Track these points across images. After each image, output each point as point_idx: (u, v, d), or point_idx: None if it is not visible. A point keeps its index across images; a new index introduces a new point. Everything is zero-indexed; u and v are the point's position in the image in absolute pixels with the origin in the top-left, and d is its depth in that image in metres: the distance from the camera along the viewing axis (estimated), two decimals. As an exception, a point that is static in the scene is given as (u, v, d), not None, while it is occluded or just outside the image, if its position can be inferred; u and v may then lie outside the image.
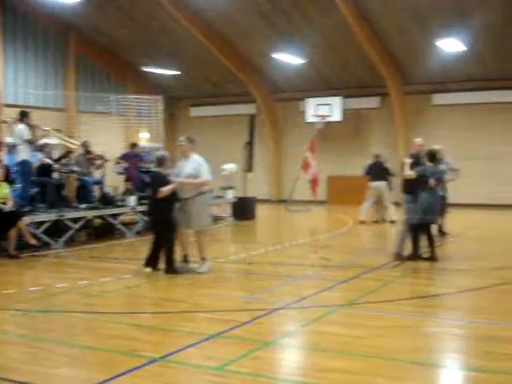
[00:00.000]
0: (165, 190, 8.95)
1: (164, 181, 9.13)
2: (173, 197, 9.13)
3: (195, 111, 29.61)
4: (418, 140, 11.54)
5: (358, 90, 26.12)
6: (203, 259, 9.33)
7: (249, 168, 19.91)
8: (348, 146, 22.49)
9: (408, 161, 10.38)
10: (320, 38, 23.65)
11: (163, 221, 9.17)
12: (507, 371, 4.89)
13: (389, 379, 4.73)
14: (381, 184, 16.40)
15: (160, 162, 9.42)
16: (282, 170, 28.35)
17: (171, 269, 9.07)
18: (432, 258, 10.11)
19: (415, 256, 10.08)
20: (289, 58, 23.99)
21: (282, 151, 28.59)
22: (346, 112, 25.63)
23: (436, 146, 11.42)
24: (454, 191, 24.79)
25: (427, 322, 6.54)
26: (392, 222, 16.16)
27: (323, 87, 26.58)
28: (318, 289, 8.11)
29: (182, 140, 9.48)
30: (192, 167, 9.17)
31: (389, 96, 25.46)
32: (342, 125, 25.70)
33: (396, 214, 15.95)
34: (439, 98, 25.72)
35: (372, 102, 26.44)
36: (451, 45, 21.44)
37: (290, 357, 5.53)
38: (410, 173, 10.18)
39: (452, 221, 17.86)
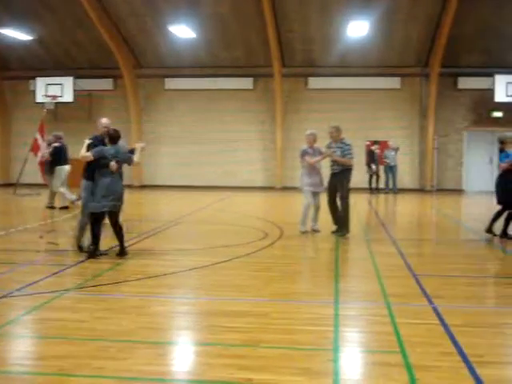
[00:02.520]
0: None
1: None
2: None
3: None
4: (104, 120, 9.79)
5: (90, 71, 25.69)
6: None
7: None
8: (80, 128, 21.95)
9: (87, 141, 9.28)
10: (50, 15, 22.79)
11: None
12: (227, 343, 5.15)
13: (110, 360, 4.70)
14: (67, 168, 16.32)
15: None
16: (10, 152, 26.88)
17: None
18: (122, 254, 9.15)
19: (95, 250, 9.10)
20: (17, 34, 22.71)
21: (10, 132, 27.10)
22: (77, 93, 25.01)
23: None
24: (172, 174, 25.84)
25: (154, 301, 6.61)
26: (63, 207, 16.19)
27: (54, 67, 25.68)
28: (44, 275, 7.80)
29: None
30: None
31: (122, 78, 25.40)
32: (73, 106, 25.07)
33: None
34: (172, 83, 26.27)
35: (105, 84, 26.20)
36: (182, 31, 22.00)
37: (9, 347, 5.22)
38: (86, 154, 9.10)
39: (179, 203, 18.40)
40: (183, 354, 5.14)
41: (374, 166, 23.96)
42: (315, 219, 11.94)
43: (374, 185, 24.17)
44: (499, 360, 4.83)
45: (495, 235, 11.43)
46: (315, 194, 11.72)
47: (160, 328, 5.67)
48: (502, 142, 11.44)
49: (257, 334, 5.38)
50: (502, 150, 11.49)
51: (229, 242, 10.86)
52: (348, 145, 11.29)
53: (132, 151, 9.70)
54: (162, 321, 5.93)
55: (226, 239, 11.25)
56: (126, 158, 9.43)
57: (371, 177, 24.22)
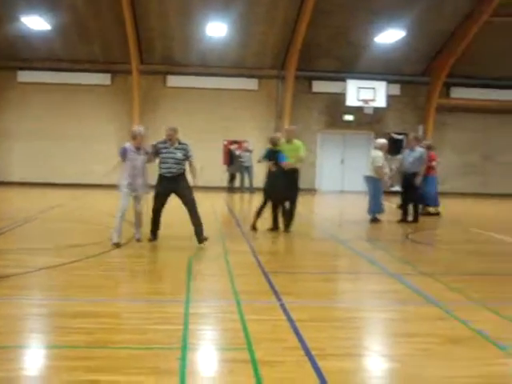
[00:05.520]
0: None
1: None
2: None
3: None
4: None
5: None
6: None
7: None
8: None
9: None
10: None
11: None
12: (75, 345, 5.08)
13: None
14: None
15: None
16: None
17: None
18: None
19: None
20: None
21: None
22: None
23: None
24: (25, 171, 24.97)
25: (0, 304, 6.38)
26: None
27: None
28: None
29: None
30: None
31: (-29, 70, 24.16)
32: None
33: None
34: (25, 76, 25.29)
35: (-48, 76, 24.81)
36: (36, 23, 21.28)
37: None
38: None
39: (32, 200, 17.77)
40: (30, 358, 4.98)
41: (229, 165, 24.33)
42: (138, 226, 10.85)
43: (231, 184, 24.52)
44: (340, 352, 5.09)
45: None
46: (136, 198, 10.61)
47: (6, 331, 5.47)
48: (274, 144, 12.56)
49: (105, 335, 5.33)
50: (275, 151, 12.52)
51: (82, 240, 10.64)
52: (188, 145, 10.69)
53: None
54: (8, 323, 5.71)
55: (79, 238, 11.02)
56: None
57: (231, 176, 24.55)
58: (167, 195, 10.61)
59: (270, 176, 12.52)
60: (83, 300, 6.58)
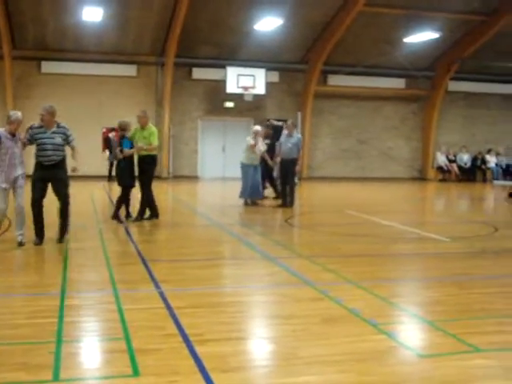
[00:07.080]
0: None
1: None
2: None
3: None
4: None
5: None
6: None
7: None
8: None
9: None
10: None
11: None
12: None
13: None
14: None
15: None
16: None
17: None
18: None
19: None
20: None
21: None
22: None
23: None
24: None
25: None
26: None
27: None
28: None
29: None
30: None
31: None
32: None
33: None
34: None
35: None
36: None
37: None
38: None
39: None
40: None
41: (110, 153, 23.80)
42: (21, 225, 9.29)
43: (110, 172, 24.01)
44: (217, 337, 5.11)
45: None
46: (15, 191, 9.19)
47: None
48: (123, 129, 12.33)
49: (-27, 332, 5.11)
50: (122, 137, 12.24)
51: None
52: (67, 128, 9.53)
53: None
54: None
55: None
56: None
57: (111, 164, 24.01)
58: (46, 183, 9.40)
59: (119, 163, 12.14)
60: (-50, 297, 6.27)
